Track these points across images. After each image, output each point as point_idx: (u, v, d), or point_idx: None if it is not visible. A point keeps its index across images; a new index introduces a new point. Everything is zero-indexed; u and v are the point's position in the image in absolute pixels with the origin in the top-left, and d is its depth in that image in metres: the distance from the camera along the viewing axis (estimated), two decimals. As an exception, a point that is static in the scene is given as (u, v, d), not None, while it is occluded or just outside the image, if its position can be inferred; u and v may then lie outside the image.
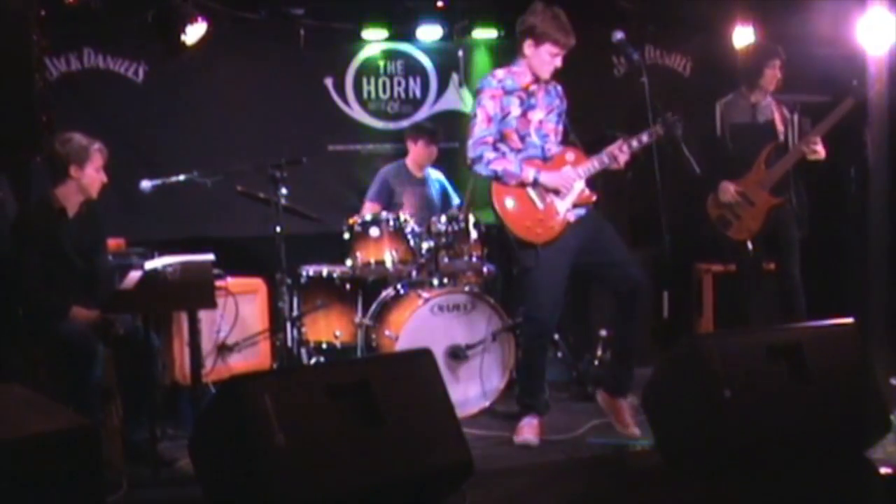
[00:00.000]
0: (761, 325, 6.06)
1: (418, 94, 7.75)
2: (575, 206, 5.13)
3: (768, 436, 4.19)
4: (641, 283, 5.21)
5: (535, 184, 5.06)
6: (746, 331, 5.50)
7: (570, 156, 5.17)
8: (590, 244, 5.15)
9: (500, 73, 5.17)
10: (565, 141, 5.29)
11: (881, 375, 4.80)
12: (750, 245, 6.21)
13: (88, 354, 4.79)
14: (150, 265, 4.81)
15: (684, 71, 8.26)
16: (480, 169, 5.09)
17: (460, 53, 7.76)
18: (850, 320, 4.71)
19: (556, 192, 5.08)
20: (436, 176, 7.18)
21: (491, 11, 7.59)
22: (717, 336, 5.52)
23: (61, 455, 3.30)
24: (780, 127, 6.23)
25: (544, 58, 5.04)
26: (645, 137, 5.02)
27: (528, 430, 5.18)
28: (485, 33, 7.70)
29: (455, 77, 7.81)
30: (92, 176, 5.08)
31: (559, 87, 5.28)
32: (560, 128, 5.27)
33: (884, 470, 4.38)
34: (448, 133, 7.44)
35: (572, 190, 5.09)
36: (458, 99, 7.84)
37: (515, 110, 5.10)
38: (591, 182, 5.18)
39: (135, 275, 4.82)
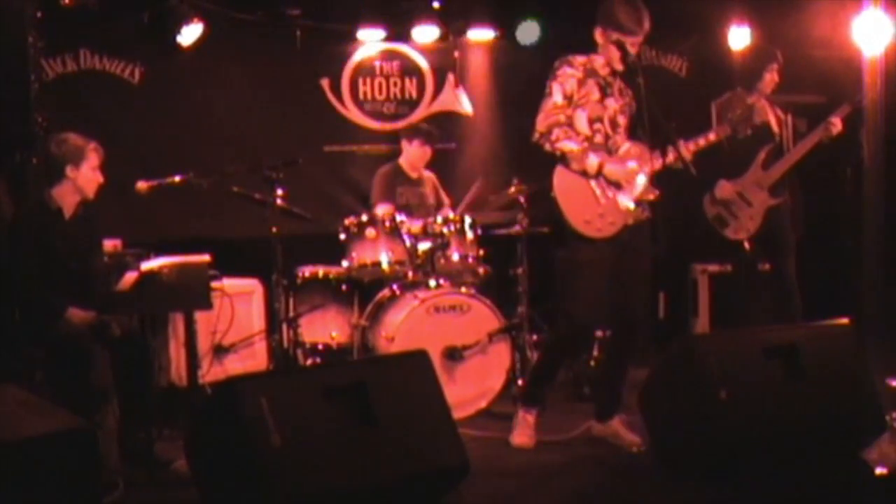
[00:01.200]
0: (757, 326, 6.07)
1: (414, 94, 7.75)
2: (637, 203, 4.94)
3: (764, 436, 4.20)
4: (639, 323, 5.08)
5: (599, 174, 4.87)
6: (742, 331, 5.49)
7: (635, 150, 4.97)
8: (623, 256, 4.96)
9: (580, 58, 4.98)
10: (632, 137, 5.08)
11: (876, 375, 4.80)
12: (747, 245, 6.21)
13: (85, 355, 4.79)
14: (146, 266, 4.82)
15: (681, 72, 8.28)
16: (546, 145, 4.89)
17: (456, 54, 7.76)
18: (845, 321, 4.72)
19: (618, 186, 4.90)
20: (428, 176, 7.17)
21: (487, 12, 7.60)
22: (712, 336, 5.55)
23: (58, 456, 3.31)
24: (775, 128, 6.23)
25: (612, 47, 4.87)
26: (712, 136, 4.93)
27: (524, 432, 5.13)
28: (481, 34, 7.70)
29: (451, 77, 7.81)
30: (88, 176, 5.06)
31: (631, 93, 5.06)
32: (627, 125, 5.06)
33: (879, 470, 4.39)
34: (444, 134, 7.45)
35: (635, 185, 4.92)
36: (454, 99, 7.84)
37: (595, 94, 4.93)
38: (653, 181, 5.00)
39: (131, 276, 4.83)
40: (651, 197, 4.99)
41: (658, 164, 4.91)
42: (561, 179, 4.94)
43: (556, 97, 4.92)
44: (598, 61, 4.98)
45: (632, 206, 4.94)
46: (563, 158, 4.91)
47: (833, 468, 4.35)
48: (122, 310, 4.94)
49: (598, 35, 4.93)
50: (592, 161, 4.87)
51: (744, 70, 6.46)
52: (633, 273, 4.98)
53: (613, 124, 4.99)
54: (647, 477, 4.60)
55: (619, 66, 4.93)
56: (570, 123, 4.92)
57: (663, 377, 4.58)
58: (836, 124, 5.98)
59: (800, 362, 4.38)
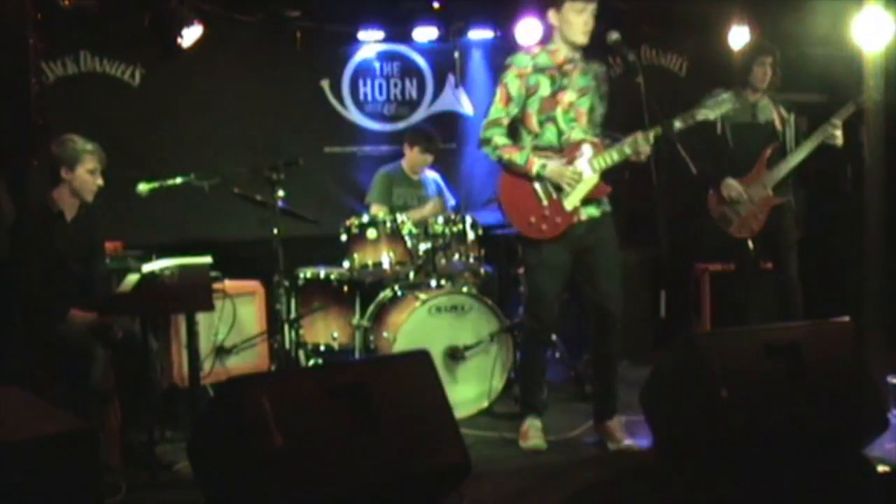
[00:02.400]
0: (759, 324, 6.06)
1: (414, 95, 7.77)
2: (587, 201, 4.94)
3: (766, 434, 4.19)
4: (613, 320, 5.02)
5: (539, 177, 4.89)
6: (744, 330, 5.49)
7: (587, 148, 4.93)
8: (585, 255, 4.99)
9: (535, 49, 5.00)
10: (604, 124, 5.08)
11: (878, 373, 4.80)
12: (750, 244, 6.21)
13: (87, 357, 4.79)
14: (147, 268, 4.82)
15: (680, 71, 8.29)
16: (488, 152, 4.95)
17: (456, 55, 7.77)
18: (846, 319, 4.71)
19: (559, 187, 4.90)
20: (432, 177, 7.18)
21: (486, 12, 7.61)
22: (714, 335, 5.53)
23: (60, 458, 3.30)
24: (778, 126, 6.23)
25: (571, 19, 4.82)
26: (678, 123, 4.86)
27: (535, 434, 5.11)
28: (480, 34, 7.72)
29: (451, 78, 7.82)
30: (84, 178, 5.05)
31: (602, 70, 5.08)
32: (593, 113, 5.02)
33: (881, 468, 4.38)
34: (444, 134, 7.47)
35: (578, 185, 4.89)
36: (454, 100, 7.85)
37: (544, 90, 4.91)
38: (609, 175, 4.97)
39: (132, 278, 4.83)
40: (601, 195, 4.97)
41: (645, 150, 4.84)
42: (505, 183, 4.99)
43: (499, 99, 4.96)
44: (547, 53, 4.96)
45: (579, 204, 4.92)
46: (507, 166, 4.95)
47: (835, 466, 4.34)
48: (124, 312, 4.95)
49: (552, 17, 4.90)
50: (532, 166, 4.88)
51: (736, 66, 6.45)
52: (600, 269, 5.00)
53: (568, 118, 4.96)
54: (649, 475, 4.60)
55: (583, 40, 4.88)
56: (512, 125, 4.95)
57: (665, 376, 4.58)
58: (837, 126, 5.97)
59: (801, 360, 4.37)
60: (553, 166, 4.88)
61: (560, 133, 4.96)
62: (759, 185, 6.15)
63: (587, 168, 4.92)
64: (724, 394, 4.14)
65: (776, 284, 6.25)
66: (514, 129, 5.02)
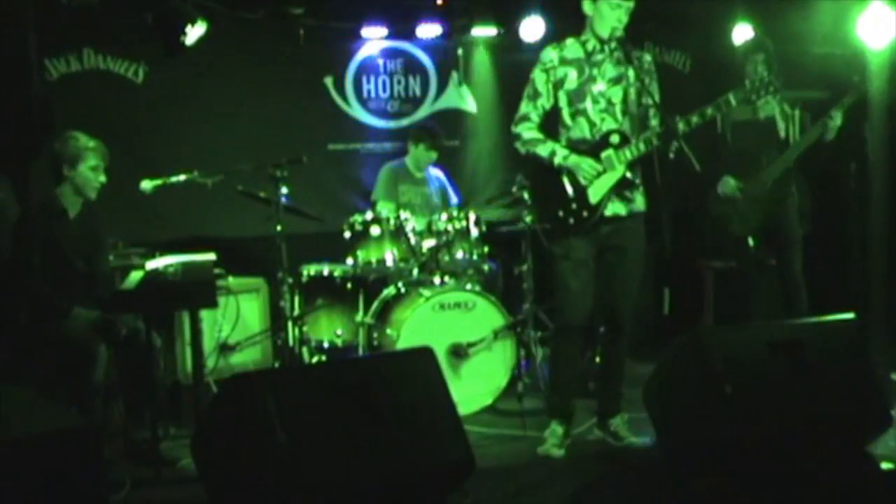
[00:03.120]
0: (762, 321, 6.06)
1: (418, 92, 7.77)
2: (614, 197, 4.85)
3: (769, 431, 4.19)
4: (623, 324, 5.02)
5: (566, 168, 4.83)
6: (747, 326, 5.49)
7: (615, 138, 4.82)
8: (606, 253, 4.93)
9: (569, 41, 4.93)
10: (645, 117, 4.94)
11: (882, 370, 4.80)
12: (751, 241, 6.21)
13: (90, 355, 4.81)
14: (151, 265, 4.83)
15: (684, 68, 8.28)
16: (518, 147, 4.95)
17: (460, 51, 7.77)
18: (850, 315, 4.71)
19: (586, 178, 4.83)
20: (436, 174, 7.19)
21: (490, 9, 7.59)
22: (718, 331, 5.51)
23: (63, 455, 3.31)
24: (780, 123, 6.22)
25: (605, 13, 4.74)
26: (695, 118, 4.74)
27: (552, 442, 4.98)
28: (484, 31, 7.71)
29: (455, 75, 7.82)
30: (86, 175, 5.05)
31: (646, 58, 4.99)
32: (629, 104, 4.89)
33: (885, 465, 4.38)
34: (448, 131, 7.47)
35: (601, 178, 4.80)
36: (458, 97, 7.85)
37: (571, 83, 4.87)
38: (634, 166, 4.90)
39: (136, 275, 4.84)
40: (628, 191, 4.90)
41: (672, 136, 4.74)
42: (536, 176, 5.02)
43: (527, 95, 4.97)
44: (579, 42, 4.91)
45: (605, 198, 4.85)
46: (535, 159, 4.94)
47: (838, 463, 4.34)
48: (127, 309, 4.95)
49: (587, 6, 4.83)
50: (556, 158, 4.85)
51: (736, 65, 6.45)
52: (617, 272, 4.95)
53: (598, 109, 4.87)
54: (652, 472, 4.60)
55: (608, 35, 4.79)
56: (543, 119, 4.94)
57: (668, 372, 4.57)
58: (836, 118, 5.96)
59: (805, 357, 4.36)
60: (574, 158, 4.84)
61: (592, 125, 4.88)
62: (758, 182, 6.15)
63: (611, 160, 4.84)
64: (727, 390, 4.14)
65: (780, 281, 6.25)
66: (553, 126, 4.98)
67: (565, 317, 4.97)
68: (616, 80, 4.88)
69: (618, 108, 4.88)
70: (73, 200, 5.11)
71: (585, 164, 4.82)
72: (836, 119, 5.96)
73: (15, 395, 3.68)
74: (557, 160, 4.84)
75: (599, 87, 4.87)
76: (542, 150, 4.89)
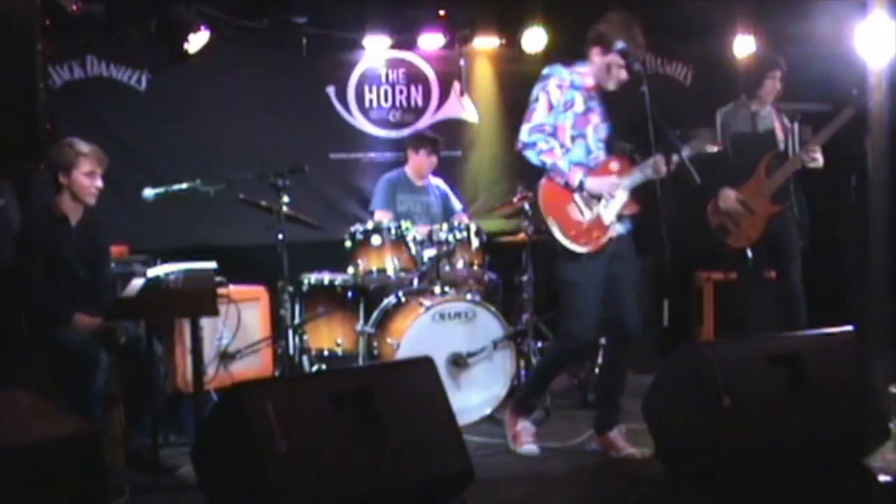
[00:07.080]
0: (761, 334, 6.07)
1: (420, 102, 7.77)
2: (619, 218, 4.99)
3: (768, 444, 4.20)
4: (633, 334, 5.05)
5: (581, 188, 4.91)
6: (746, 339, 5.50)
7: (615, 165, 5.01)
8: (611, 267, 5.00)
9: (578, 68, 5.03)
10: (612, 150, 5.11)
11: (880, 383, 4.80)
12: (749, 253, 6.21)
13: (91, 362, 4.81)
14: (152, 273, 4.83)
15: (685, 80, 8.29)
16: (531, 156, 4.94)
17: (462, 62, 7.78)
18: (849, 328, 4.72)
19: (600, 199, 4.94)
20: (436, 183, 7.19)
21: (492, 20, 7.61)
22: (716, 344, 5.54)
23: (64, 461, 3.32)
24: (780, 136, 6.24)
25: (611, 68, 4.93)
26: (686, 151, 4.88)
27: (528, 439, 5.15)
28: (486, 42, 7.72)
29: (457, 86, 7.83)
30: (80, 182, 5.05)
31: (642, 91, 4.97)
32: (607, 139, 5.09)
33: (883, 478, 4.39)
34: (449, 142, 7.48)
35: (615, 199, 4.96)
36: (459, 108, 7.86)
37: (579, 106, 4.98)
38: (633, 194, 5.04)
39: (137, 282, 4.85)
40: (631, 211, 5.03)
41: (663, 170, 4.90)
42: (547, 192, 4.99)
43: (543, 106, 4.97)
44: (584, 74, 5.02)
45: (614, 220, 4.97)
46: (549, 172, 4.95)
47: (837, 476, 4.35)
48: (128, 316, 4.96)
49: (595, 55, 4.97)
50: (575, 176, 4.91)
51: (745, 77, 6.47)
52: (622, 283, 5.01)
53: (597, 138, 5.03)
54: (651, 484, 4.60)
55: (611, 86, 4.99)
56: (553, 133, 4.97)
57: (667, 384, 4.59)
58: (813, 153, 5.98)
59: (804, 370, 4.38)
60: (594, 179, 4.94)
61: (589, 151, 5.02)
62: (758, 194, 6.16)
63: (620, 182, 4.98)
64: (725, 403, 4.15)
65: (779, 293, 6.25)
66: (550, 141, 5.01)
67: (580, 339, 5.03)
68: (605, 119, 5.05)
69: (603, 144, 5.05)
70: (73, 207, 5.12)
71: (607, 183, 4.94)
72: (815, 153, 5.98)
73: (16, 402, 3.69)
74: (578, 178, 4.91)
75: (595, 118, 5.03)
76: (562, 164, 4.93)
